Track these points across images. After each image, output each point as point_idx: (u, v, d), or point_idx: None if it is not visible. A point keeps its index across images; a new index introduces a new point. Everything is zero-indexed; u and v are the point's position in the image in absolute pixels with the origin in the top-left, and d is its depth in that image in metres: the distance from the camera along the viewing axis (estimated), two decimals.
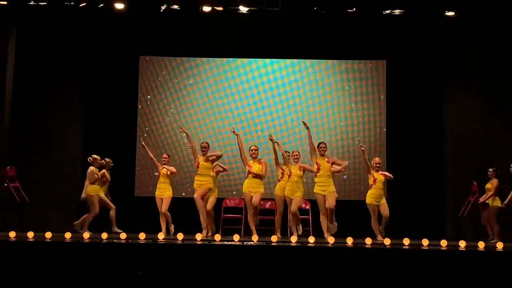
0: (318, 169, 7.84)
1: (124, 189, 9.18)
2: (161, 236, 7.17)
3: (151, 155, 8.48)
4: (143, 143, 8.59)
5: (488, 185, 8.38)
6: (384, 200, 8.02)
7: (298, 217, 8.06)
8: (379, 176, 8.03)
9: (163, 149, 9.62)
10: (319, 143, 7.94)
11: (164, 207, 8.30)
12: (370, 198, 8.03)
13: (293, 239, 7.17)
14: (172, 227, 8.32)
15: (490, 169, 8.40)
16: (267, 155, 8.89)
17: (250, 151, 8.18)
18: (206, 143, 8.24)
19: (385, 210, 7.97)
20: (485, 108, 9.34)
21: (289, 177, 8.08)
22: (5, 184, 8.50)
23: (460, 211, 8.77)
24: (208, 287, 5.75)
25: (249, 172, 8.11)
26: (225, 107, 9.96)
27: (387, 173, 8.12)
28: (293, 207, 7.94)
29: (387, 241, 7.03)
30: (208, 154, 8.15)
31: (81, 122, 9.73)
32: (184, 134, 8.52)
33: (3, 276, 5.79)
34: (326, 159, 7.86)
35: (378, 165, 8.11)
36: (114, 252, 6.30)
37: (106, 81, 9.87)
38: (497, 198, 8.31)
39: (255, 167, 8.10)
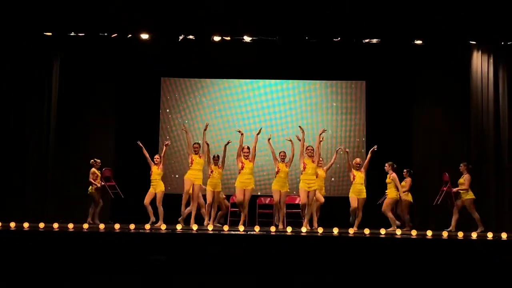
0: (304, 168, 7.69)
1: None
2: (179, 226, 7.22)
3: (147, 154, 8.23)
4: (141, 144, 8.24)
5: (403, 183, 8.32)
6: (363, 195, 7.93)
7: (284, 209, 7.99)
8: (358, 174, 7.97)
9: (178, 154, 9.75)
10: (307, 146, 7.84)
11: (158, 200, 8.09)
12: (351, 192, 8.00)
13: (289, 229, 7.18)
14: (153, 219, 8.06)
15: (405, 170, 8.39)
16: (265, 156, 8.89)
17: (243, 152, 7.97)
18: (197, 143, 8.16)
19: (359, 204, 7.92)
20: (445, 118, 9.38)
21: (276, 173, 7.95)
22: (102, 183, 8.49)
23: (379, 201, 8.65)
24: (217, 268, 5.76)
25: (242, 168, 7.91)
26: (231, 118, 9.97)
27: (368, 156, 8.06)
28: (283, 201, 7.94)
29: (366, 231, 7.08)
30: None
31: (112, 132, 9.76)
32: (185, 132, 8.40)
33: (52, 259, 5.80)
34: (312, 160, 7.74)
35: (358, 165, 8.06)
36: (141, 240, 6.37)
37: (134, 98, 9.93)
38: (409, 193, 8.28)
39: (248, 165, 7.92)
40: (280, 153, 8.12)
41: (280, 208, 7.98)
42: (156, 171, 8.19)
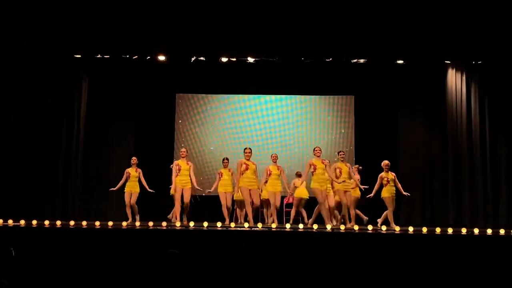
0: (315, 169, 7.14)
1: (164, 190, 9.27)
2: (191, 223, 7.22)
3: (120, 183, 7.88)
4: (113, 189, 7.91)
5: (351, 180, 7.97)
6: (394, 196, 7.48)
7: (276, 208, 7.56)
8: (390, 175, 7.48)
9: (193, 160, 9.79)
10: (315, 147, 7.34)
11: (133, 200, 7.77)
12: (386, 193, 7.46)
13: (288, 225, 7.16)
14: (138, 217, 7.79)
15: (355, 167, 8.22)
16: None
17: (245, 154, 7.32)
18: (184, 150, 7.67)
19: (393, 202, 7.50)
20: (425, 128, 9.44)
21: (269, 175, 7.53)
22: None
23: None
24: (223, 261, 5.74)
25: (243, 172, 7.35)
26: (236, 129, 10.00)
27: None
28: (278, 200, 7.54)
29: (356, 227, 7.05)
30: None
31: (132, 140, 9.74)
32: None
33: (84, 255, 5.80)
34: (321, 160, 7.23)
35: (387, 166, 7.50)
36: (157, 235, 6.40)
37: (152, 111, 9.96)
38: (357, 189, 7.83)
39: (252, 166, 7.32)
40: (272, 155, 7.84)
41: (274, 208, 7.54)
42: (134, 174, 7.86)
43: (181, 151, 7.69)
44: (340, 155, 7.62)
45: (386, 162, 7.58)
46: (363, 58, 8.91)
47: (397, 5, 7.47)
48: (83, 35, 7.96)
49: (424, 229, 6.97)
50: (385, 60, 8.90)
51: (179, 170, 7.46)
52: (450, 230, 6.91)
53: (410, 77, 9.44)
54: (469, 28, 7.79)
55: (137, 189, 7.91)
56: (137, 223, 7.26)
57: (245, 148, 7.50)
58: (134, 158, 8.02)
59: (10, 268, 3.42)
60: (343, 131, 9.96)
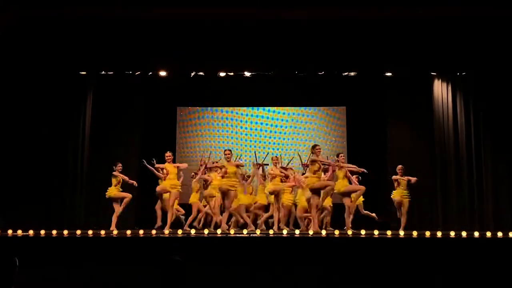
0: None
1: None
2: (192, 231, 7.22)
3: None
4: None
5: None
6: (406, 198, 7.66)
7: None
8: (401, 180, 7.66)
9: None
10: (315, 145, 7.25)
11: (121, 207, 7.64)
12: (396, 195, 7.70)
13: (284, 231, 7.13)
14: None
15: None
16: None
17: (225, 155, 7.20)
18: (170, 152, 7.51)
19: (406, 204, 7.65)
20: (413, 136, 9.45)
21: (271, 180, 7.55)
22: None
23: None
24: (226, 262, 5.71)
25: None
26: (235, 140, 10.05)
27: (411, 178, 7.69)
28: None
29: (349, 232, 7.04)
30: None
31: (137, 151, 9.60)
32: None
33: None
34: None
35: (401, 170, 7.70)
36: (160, 243, 6.37)
37: (154, 124, 9.94)
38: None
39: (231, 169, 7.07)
40: (272, 157, 7.94)
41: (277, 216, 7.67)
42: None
43: (167, 155, 7.38)
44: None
45: (400, 166, 7.75)
46: (353, 71, 8.94)
47: (386, 23, 7.54)
48: (88, 54, 7.99)
49: (415, 233, 6.95)
50: (374, 72, 8.93)
51: (167, 173, 7.27)
52: (439, 234, 6.90)
53: (398, 88, 9.47)
54: (453, 42, 7.85)
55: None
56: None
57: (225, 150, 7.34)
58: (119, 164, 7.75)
59: (15, 278, 3.40)
60: (335, 140, 9.98)
